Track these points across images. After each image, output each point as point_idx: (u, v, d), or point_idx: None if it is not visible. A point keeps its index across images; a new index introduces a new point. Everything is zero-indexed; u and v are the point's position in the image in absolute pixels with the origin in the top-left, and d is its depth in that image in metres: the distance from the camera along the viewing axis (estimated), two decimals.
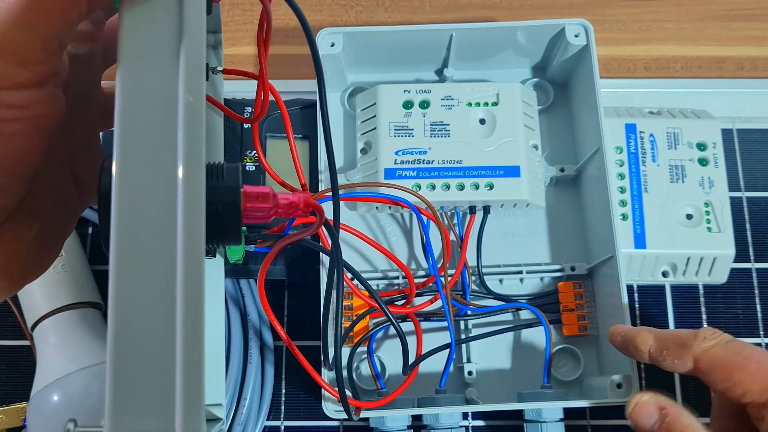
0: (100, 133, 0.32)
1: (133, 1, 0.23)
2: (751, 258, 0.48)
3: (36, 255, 0.27)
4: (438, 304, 0.43)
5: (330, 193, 0.35)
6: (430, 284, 0.44)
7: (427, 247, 0.44)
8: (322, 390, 0.39)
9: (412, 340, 0.42)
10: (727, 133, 0.50)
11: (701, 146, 0.46)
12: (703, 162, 0.45)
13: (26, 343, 0.45)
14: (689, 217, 0.45)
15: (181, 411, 0.20)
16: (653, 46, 0.53)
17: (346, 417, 0.38)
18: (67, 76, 0.27)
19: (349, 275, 0.40)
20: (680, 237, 0.44)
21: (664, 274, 0.45)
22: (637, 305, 0.46)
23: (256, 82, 0.36)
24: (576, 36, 0.45)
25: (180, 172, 0.22)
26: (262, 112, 0.36)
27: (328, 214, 0.33)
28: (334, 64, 0.46)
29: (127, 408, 0.20)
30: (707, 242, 0.44)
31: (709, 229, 0.44)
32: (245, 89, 0.47)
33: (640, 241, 0.44)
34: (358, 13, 0.55)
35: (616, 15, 0.54)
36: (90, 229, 0.48)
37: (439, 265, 0.43)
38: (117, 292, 0.21)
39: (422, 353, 0.41)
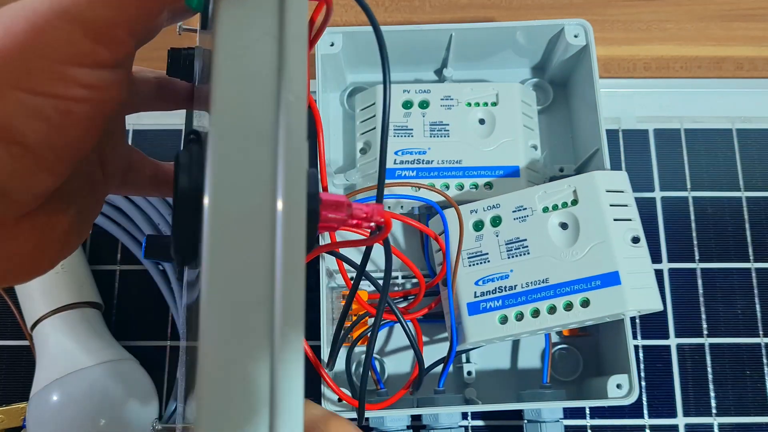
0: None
1: None
2: (751, 258, 0.48)
3: (66, 240, 0.26)
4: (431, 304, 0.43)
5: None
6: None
7: (446, 248, 0.42)
8: (322, 390, 0.39)
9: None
10: (726, 133, 0.50)
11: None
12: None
13: (26, 343, 0.45)
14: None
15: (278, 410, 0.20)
16: (653, 46, 0.53)
17: (346, 417, 0.38)
18: None
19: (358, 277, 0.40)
20: None
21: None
22: None
23: None
24: (575, 36, 0.45)
25: (280, 176, 0.21)
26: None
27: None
28: (334, 64, 0.46)
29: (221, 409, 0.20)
30: None
31: None
32: None
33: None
34: (358, 12, 0.54)
35: (616, 15, 0.54)
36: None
37: (439, 268, 0.43)
38: (210, 303, 0.20)
39: (422, 358, 0.41)
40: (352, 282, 0.43)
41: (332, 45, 0.45)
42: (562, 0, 0.54)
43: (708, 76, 0.53)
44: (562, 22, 0.45)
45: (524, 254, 0.39)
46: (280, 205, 0.21)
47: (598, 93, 0.44)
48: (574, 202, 0.40)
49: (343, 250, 0.41)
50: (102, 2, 0.22)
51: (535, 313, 0.39)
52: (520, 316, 0.39)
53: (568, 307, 0.38)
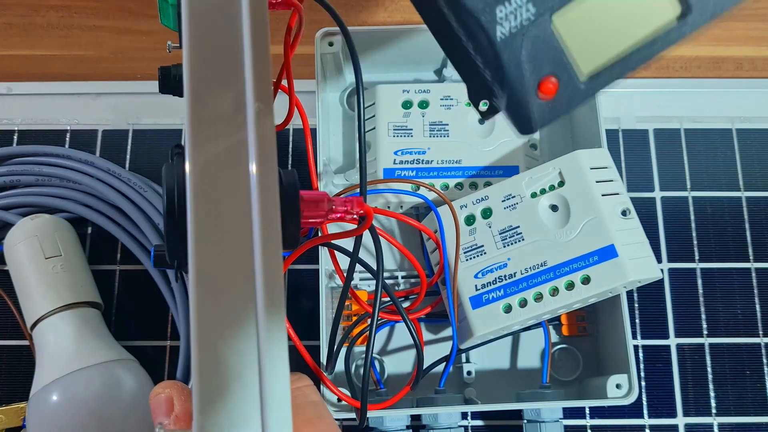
0: None
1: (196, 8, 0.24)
2: (751, 258, 0.48)
3: None
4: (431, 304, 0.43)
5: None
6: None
7: (443, 246, 0.42)
8: (322, 391, 0.39)
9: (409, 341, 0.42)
10: (726, 133, 0.50)
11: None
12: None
13: (26, 343, 0.46)
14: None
15: (268, 408, 0.21)
16: None
17: (345, 417, 0.38)
18: None
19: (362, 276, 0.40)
20: None
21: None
22: (636, 305, 0.46)
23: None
24: None
25: (254, 180, 0.22)
26: (286, 122, 0.37)
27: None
28: (333, 64, 0.46)
29: (215, 408, 0.21)
30: None
31: None
32: None
33: None
34: (358, 13, 0.55)
35: None
36: (90, 229, 0.48)
37: (438, 267, 0.43)
38: (199, 298, 0.21)
39: (423, 358, 0.41)
40: (352, 282, 0.43)
41: (331, 45, 0.45)
42: None
43: (708, 76, 0.53)
44: None
45: (519, 241, 0.40)
46: (255, 203, 0.22)
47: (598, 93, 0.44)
48: (561, 183, 0.40)
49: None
50: None
51: (538, 298, 0.39)
52: (523, 303, 0.39)
53: (570, 286, 0.38)
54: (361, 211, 0.28)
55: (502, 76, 0.27)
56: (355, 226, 0.29)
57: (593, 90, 0.28)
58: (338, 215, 0.27)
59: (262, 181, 0.22)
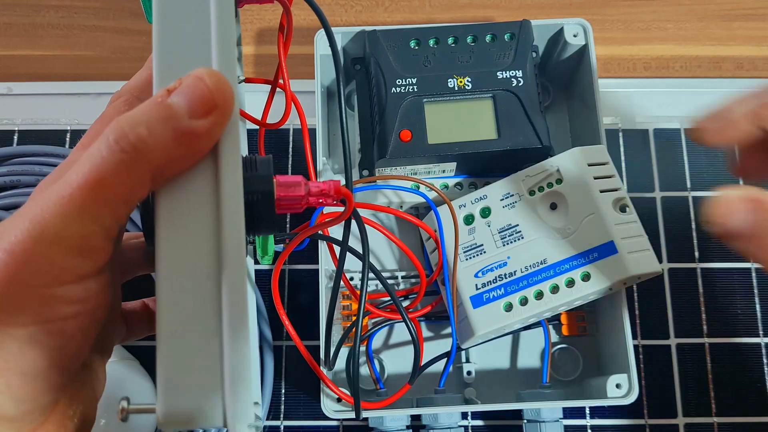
0: None
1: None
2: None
3: None
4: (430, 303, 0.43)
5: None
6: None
7: (441, 246, 0.41)
8: (322, 389, 0.39)
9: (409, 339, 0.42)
10: None
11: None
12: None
13: None
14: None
15: (229, 389, 0.22)
16: (653, 45, 0.53)
17: (345, 417, 0.38)
18: None
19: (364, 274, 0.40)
20: None
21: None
22: (636, 305, 0.46)
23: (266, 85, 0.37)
24: (575, 36, 0.45)
25: (222, 164, 0.23)
26: (283, 120, 0.37)
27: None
28: (333, 63, 0.46)
29: (177, 386, 0.22)
30: None
31: None
32: None
33: None
34: (358, 12, 0.55)
35: (616, 15, 0.54)
36: None
37: (435, 267, 0.43)
38: (165, 276, 0.22)
39: (424, 357, 0.41)
40: (353, 282, 0.43)
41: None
42: (562, 0, 0.54)
43: (708, 76, 0.53)
44: (561, 21, 0.45)
45: (518, 239, 0.40)
46: (223, 191, 0.23)
47: (598, 93, 0.44)
48: (559, 180, 0.40)
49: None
50: (76, 217, 0.21)
51: (539, 296, 0.39)
52: (524, 301, 0.39)
53: (570, 283, 0.38)
54: (339, 195, 0.28)
55: (382, 114, 0.41)
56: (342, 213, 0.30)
57: (432, 152, 0.41)
58: (319, 199, 0.27)
59: (225, 168, 0.23)
